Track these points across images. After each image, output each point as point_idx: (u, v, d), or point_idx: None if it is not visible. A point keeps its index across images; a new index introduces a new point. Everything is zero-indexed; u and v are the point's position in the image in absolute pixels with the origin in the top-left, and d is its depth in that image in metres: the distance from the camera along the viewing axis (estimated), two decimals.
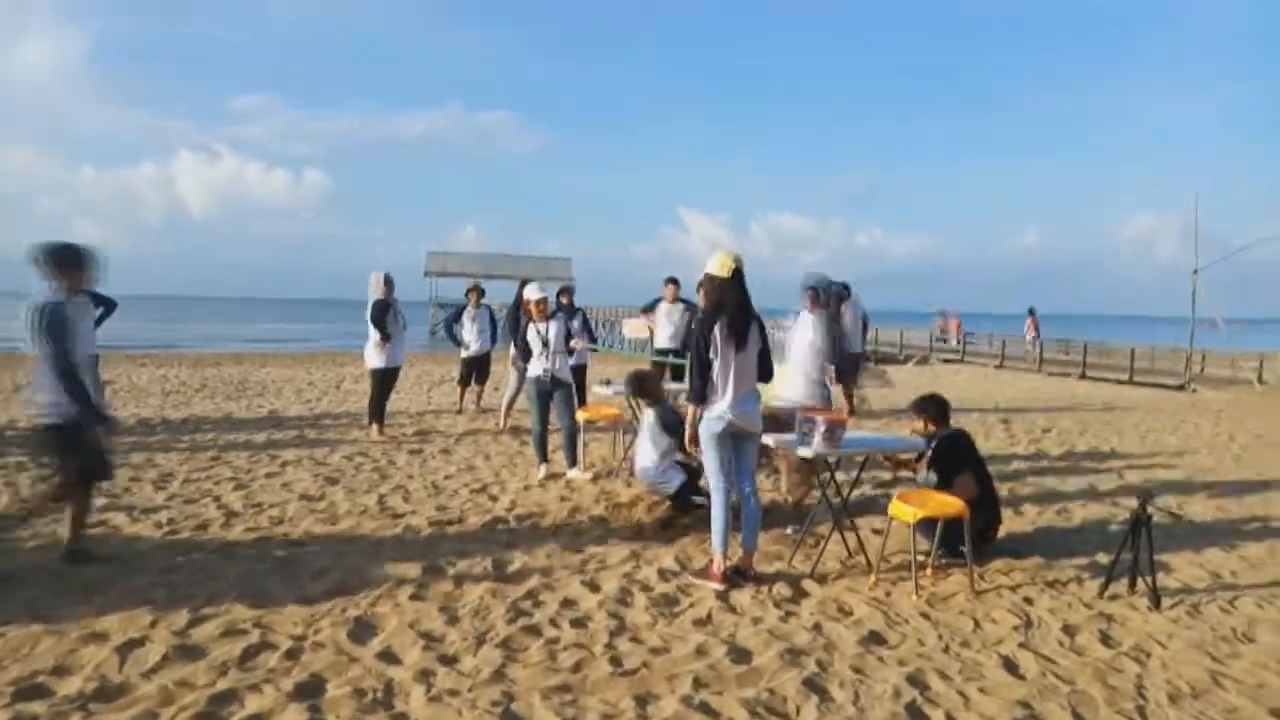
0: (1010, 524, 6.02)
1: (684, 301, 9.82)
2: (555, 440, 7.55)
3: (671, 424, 5.83)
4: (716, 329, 4.51)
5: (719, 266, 4.56)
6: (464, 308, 11.23)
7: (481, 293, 11.42)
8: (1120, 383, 19.89)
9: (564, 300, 10.10)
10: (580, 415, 7.77)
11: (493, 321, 11.39)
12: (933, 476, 5.26)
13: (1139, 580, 4.67)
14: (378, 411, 9.20)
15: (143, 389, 13.53)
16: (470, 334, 11.02)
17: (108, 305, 9.57)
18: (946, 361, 26.46)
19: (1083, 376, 21.23)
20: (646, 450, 5.98)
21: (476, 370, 11.18)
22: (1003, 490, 7.07)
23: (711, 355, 4.56)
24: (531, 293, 7.34)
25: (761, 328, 4.72)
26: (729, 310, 4.52)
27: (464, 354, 11.11)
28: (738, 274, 4.57)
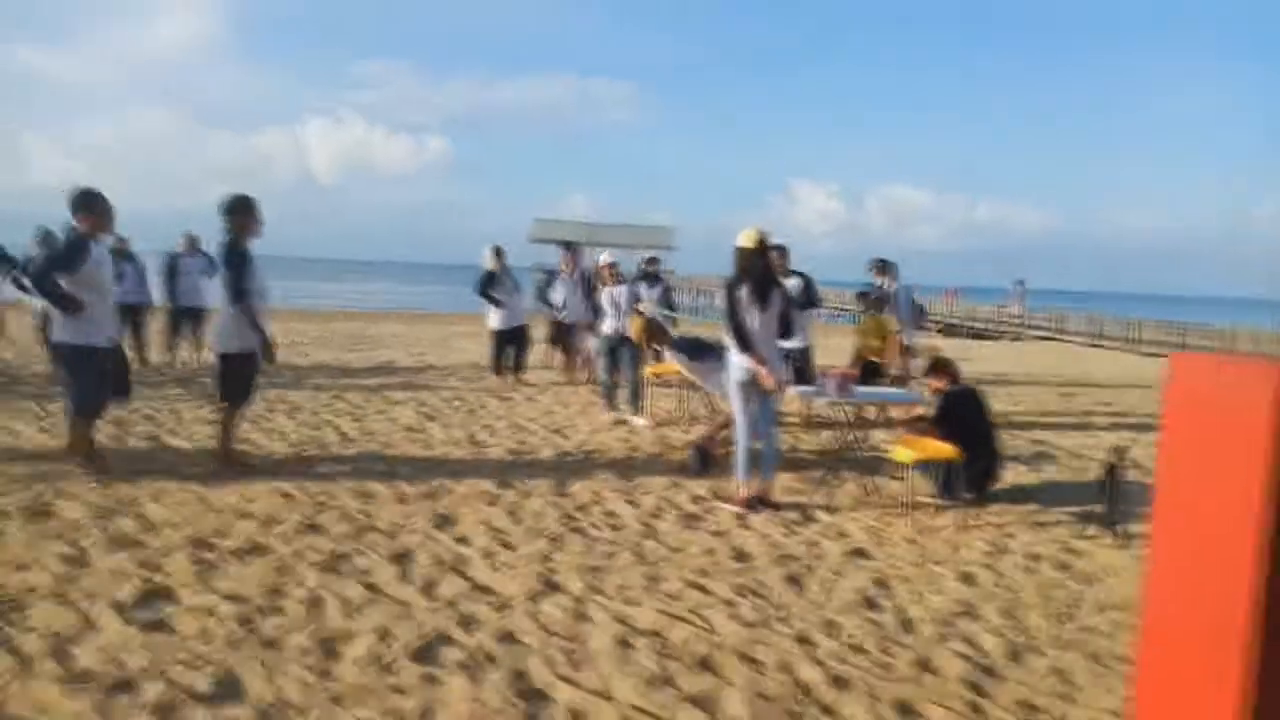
0: (1023, 479, 6.67)
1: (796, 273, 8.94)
2: (624, 394, 8.50)
3: (689, 349, 6.69)
4: (742, 292, 5.34)
5: (745, 239, 5.39)
6: (557, 273, 12.17)
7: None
8: None
9: (649, 269, 10.98)
10: (649, 371, 8.69)
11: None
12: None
13: (1112, 525, 5.31)
14: (494, 364, 10.58)
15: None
16: (560, 299, 11.97)
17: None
18: (1040, 339, 26.26)
19: None
20: (715, 383, 6.78)
21: (566, 332, 12.15)
22: (1029, 451, 7.70)
23: (741, 313, 5.39)
24: (603, 258, 8.33)
25: (784, 292, 5.53)
26: (754, 276, 5.35)
27: (555, 317, 12.06)
28: (762, 244, 5.39)
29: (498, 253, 10.48)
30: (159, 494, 5.19)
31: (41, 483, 5.26)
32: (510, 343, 10.57)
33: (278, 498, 5.26)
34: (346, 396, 9.04)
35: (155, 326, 11.28)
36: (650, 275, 10.80)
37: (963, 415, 5.92)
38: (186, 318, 11.02)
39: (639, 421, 8.15)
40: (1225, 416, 2.21)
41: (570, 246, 11.13)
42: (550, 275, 12.34)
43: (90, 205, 5.46)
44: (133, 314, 10.61)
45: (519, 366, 10.69)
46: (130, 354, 10.71)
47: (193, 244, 11.12)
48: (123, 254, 10.57)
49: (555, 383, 10.79)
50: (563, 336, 11.87)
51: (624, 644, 3.51)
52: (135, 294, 10.66)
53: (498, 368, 10.52)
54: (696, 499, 5.74)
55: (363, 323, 21.22)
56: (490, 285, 10.38)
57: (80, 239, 5.40)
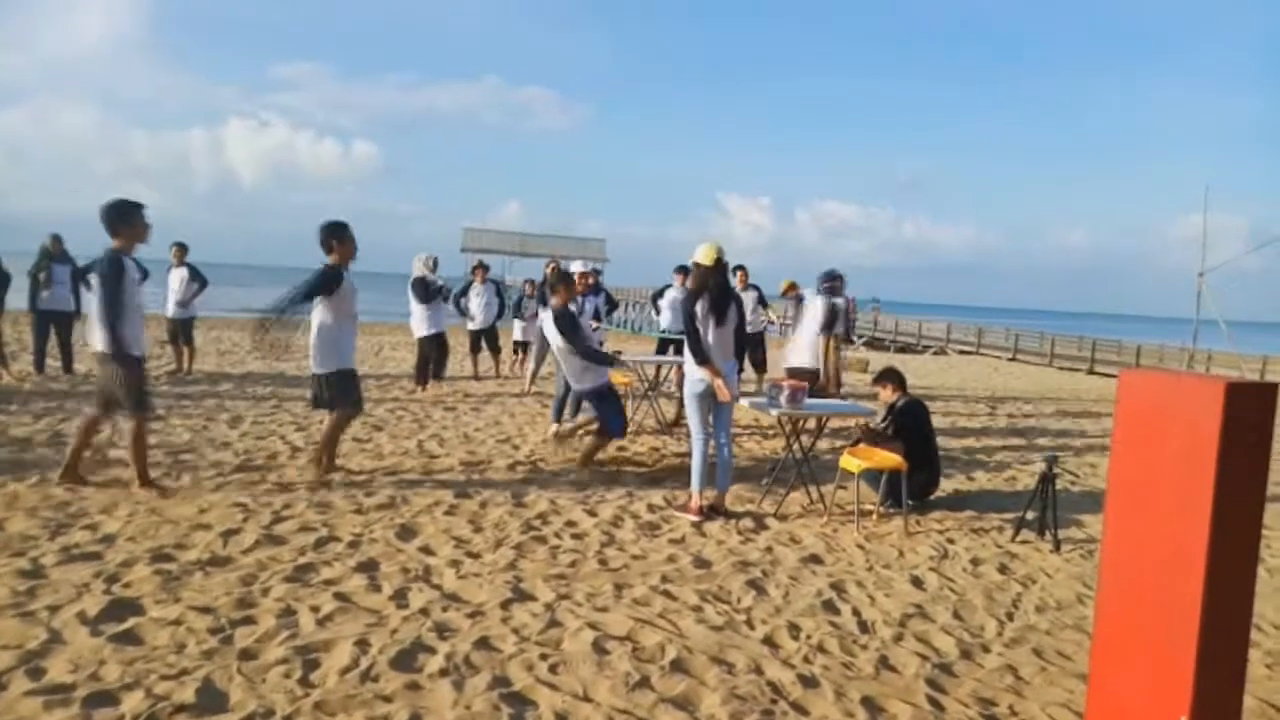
0: (960, 486, 6.99)
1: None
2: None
3: (566, 327, 6.77)
4: (698, 306, 5.48)
5: (704, 256, 5.54)
6: (471, 283, 12.36)
7: (486, 269, 12.57)
8: None
9: (590, 280, 11.16)
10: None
11: (499, 295, 12.52)
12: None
13: (1046, 530, 5.61)
14: (420, 373, 10.53)
15: (199, 349, 14.73)
16: (476, 307, 12.15)
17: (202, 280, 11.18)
18: (963, 353, 27.16)
19: (1090, 371, 21.93)
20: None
21: (486, 340, 12.33)
22: (963, 461, 8.03)
23: (697, 324, 5.52)
24: (577, 267, 8.60)
25: (740, 307, 5.70)
26: (711, 291, 5.50)
27: (470, 326, 12.30)
28: (719, 262, 5.55)
29: (434, 262, 10.78)
30: (109, 506, 5.08)
31: None
32: (430, 347, 10.74)
33: (233, 509, 5.19)
34: (288, 406, 8.91)
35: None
36: (593, 286, 10.94)
37: (913, 425, 6.18)
38: None
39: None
40: (1175, 429, 2.43)
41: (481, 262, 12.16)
42: (464, 285, 12.44)
43: (341, 236, 5.96)
44: (57, 320, 10.24)
45: (439, 374, 10.88)
46: (55, 363, 10.41)
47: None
48: (57, 255, 10.23)
49: (497, 394, 10.82)
50: (478, 343, 12.40)
51: (599, 649, 3.60)
52: (64, 300, 10.29)
53: (421, 375, 10.66)
54: (653, 507, 5.86)
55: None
56: (425, 291, 10.58)
57: (333, 268, 5.92)
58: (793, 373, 8.46)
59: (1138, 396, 2.53)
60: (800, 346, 8.98)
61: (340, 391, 6.04)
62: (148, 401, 5.64)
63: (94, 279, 5.44)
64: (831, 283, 9.08)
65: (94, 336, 5.32)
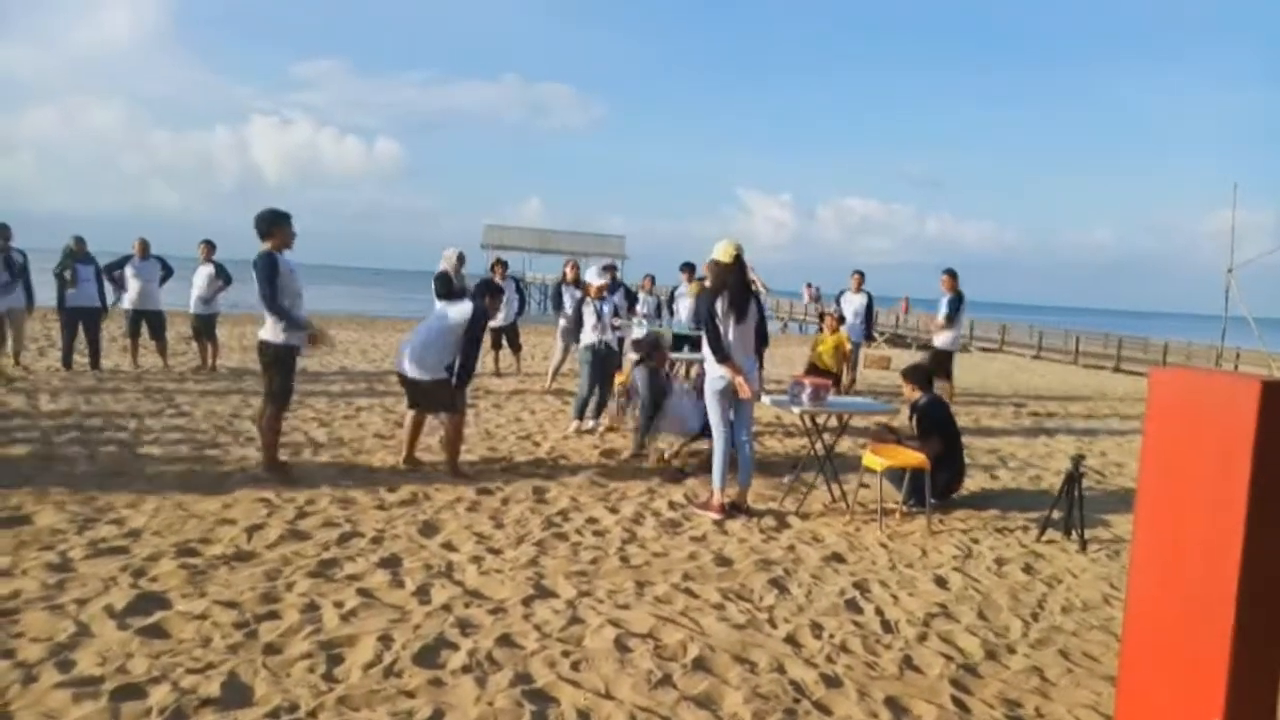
0: (984, 485, 6.93)
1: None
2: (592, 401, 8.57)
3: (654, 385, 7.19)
4: (718, 303, 5.46)
5: (723, 253, 5.52)
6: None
7: (505, 266, 12.48)
8: None
9: (609, 279, 11.16)
10: (618, 378, 8.81)
11: (519, 293, 12.43)
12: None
13: (1072, 529, 5.55)
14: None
15: (222, 344, 14.86)
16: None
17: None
18: (985, 350, 26.95)
19: (1116, 369, 21.68)
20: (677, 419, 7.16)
21: (506, 337, 12.26)
22: (987, 459, 7.96)
23: (717, 322, 5.51)
24: (592, 277, 8.54)
25: (759, 303, 5.67)
26: (731, 288, 5.48)
27: (490, 323, 12.19)
28: (739, 259, 5.53)
29: (460, 258, 10.58)
30: (136, 501, 5.13)
31: (16, 491, 5.17)
32: None
33: (258, 504, 5.23)
34: (311, 402, 8.98)
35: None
36: (610, 284, 10.92)
37: (934, 424, 6.13)
38: (143, 321, 10.90)
39: (600, 425, 8.27)
40: (1208, 429, 2.39)
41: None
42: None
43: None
44: (85, 317, 10.40)
45: None
46: (82, 358, 10.54)
47: (145, 247, 10.96)
48: (80, 255, 10.36)
49: (518, 391, 10.84)
50: (499, 340, 12.24)
51: (621, 646, 3.59)
52: (90, 298, 10.45)
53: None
54: (674, 505, 5.85)
55: None
56: (448, 289, 10.43)
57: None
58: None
59: (1169, 395, 2.49)
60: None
61: (453, 393, 6.38)
62: (287, 391, 5.96)
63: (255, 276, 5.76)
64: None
65: (264, 327, 5.81)
